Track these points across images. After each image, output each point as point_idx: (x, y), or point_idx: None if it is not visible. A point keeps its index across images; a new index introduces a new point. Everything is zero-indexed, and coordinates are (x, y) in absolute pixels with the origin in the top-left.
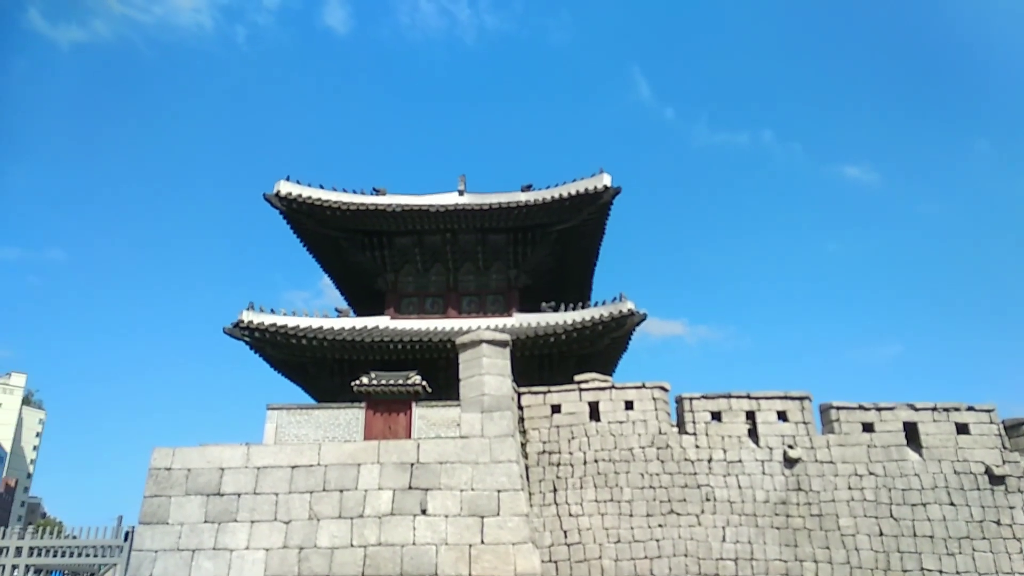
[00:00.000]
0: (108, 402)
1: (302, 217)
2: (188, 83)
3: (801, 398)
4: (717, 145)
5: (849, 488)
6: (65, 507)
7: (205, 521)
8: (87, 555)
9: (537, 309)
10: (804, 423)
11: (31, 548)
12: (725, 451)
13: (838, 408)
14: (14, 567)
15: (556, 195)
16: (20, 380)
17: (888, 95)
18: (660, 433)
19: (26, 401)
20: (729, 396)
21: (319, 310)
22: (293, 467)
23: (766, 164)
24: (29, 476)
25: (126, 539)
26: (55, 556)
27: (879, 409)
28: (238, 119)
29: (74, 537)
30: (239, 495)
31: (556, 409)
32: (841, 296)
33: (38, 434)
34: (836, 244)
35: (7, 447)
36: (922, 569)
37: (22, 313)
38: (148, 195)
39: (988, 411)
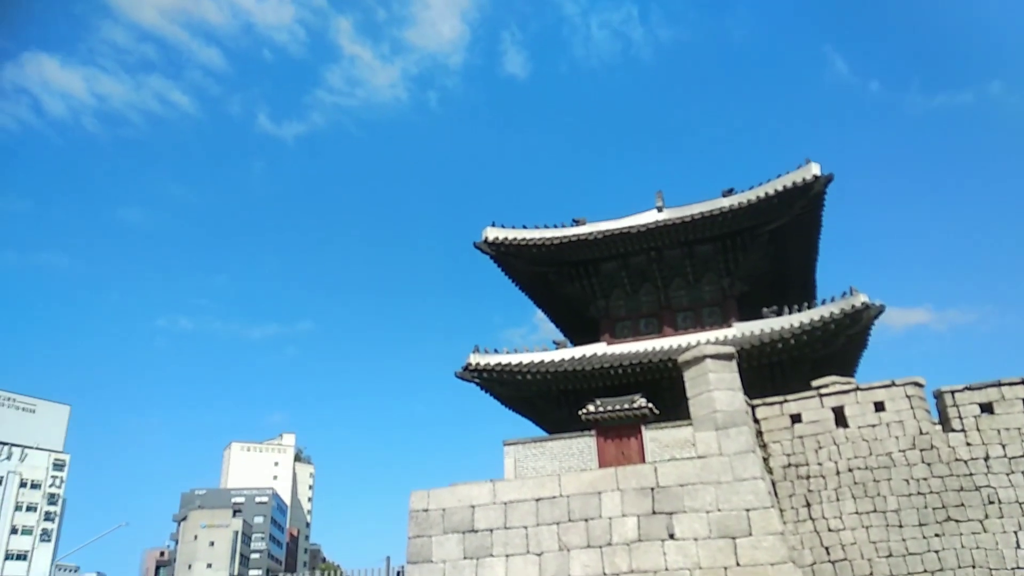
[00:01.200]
0: (365, 453)
1: (510, 258)
2: (393, 151)
3: None
4: (936, 109)
5: None
6: (338, 550)
7: (464, 558)
8: None
9: (758, 316)
10: None
11: None
12: (1004, 446)
13: None
14: None
15: (762, 194)
16: (291, 440)
17: None
18: (921, 433)
19: (297, 458)
20: (999, 384)
21: (538, 345)
22: (537, 500)
23: (998, 119)
24: (308, 525)
25: None
26: None
27: None
28: (441, 174)
29: None
30: (491, 531)
31: (796, 419)
32: None
33: (310, 487)
34: None
35: (287, 500)
36: None
37: (286, 381)
38: (371, 261)
39: None
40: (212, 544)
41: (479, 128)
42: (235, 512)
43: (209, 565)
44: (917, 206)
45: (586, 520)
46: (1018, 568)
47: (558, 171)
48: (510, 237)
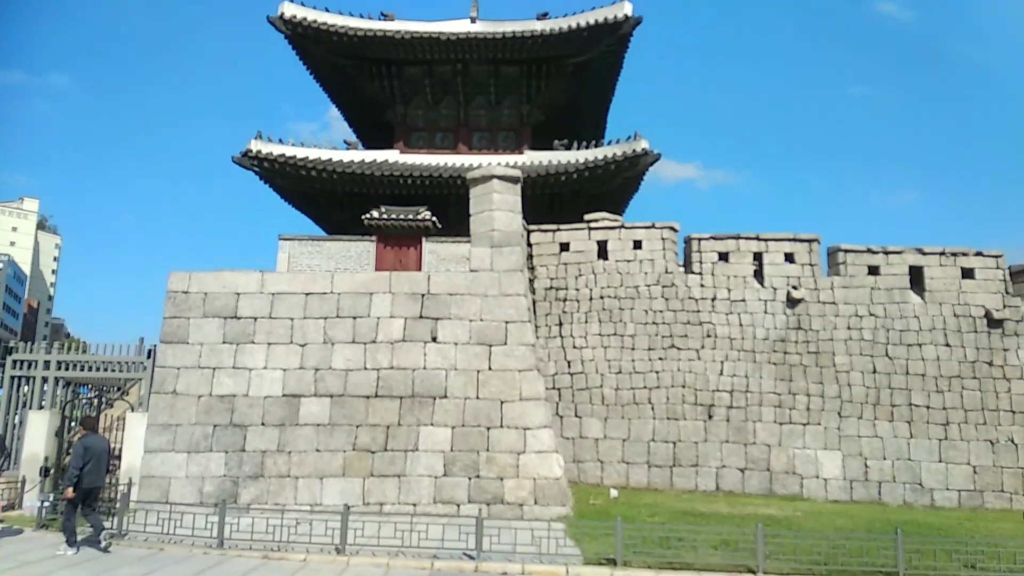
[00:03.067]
0: (122, 229)
1: (308, 42)
2: None
3: (809, 240)
4: None
5: (848, 328)
6: (86, 328)
7: (224, 342)
8: (113, 370)
9: (549, 147)
10: (811, 265)
11: (59, 362)
12: (730, 290)
13: (845, 251)
14: (43, 379)
15: (574, 24)
16: (33, 205)
17: None
18: (666, 272)
19: (41, 226)
20: (738, 237)
21: (328, 142)
22: (307, 294)
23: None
24: (50, 299)
25: (149, 356)
26: (83, 370)
27: (887, 252)
28: None
29: (100, 354)
30: (255, 319)
31: (565, 247)
32: (862, 142)
33: (55, 258)
34: (863, 86)
35: (26, 270)
36: (910, 404)
37: (31, 139)
38: (149, 19)
39: (996, 256)
40: None
41: None
42: None
43: None
44: (707, 69)
45: (354, 318)
46: (718, 391)
47: None
48: (310, 18)
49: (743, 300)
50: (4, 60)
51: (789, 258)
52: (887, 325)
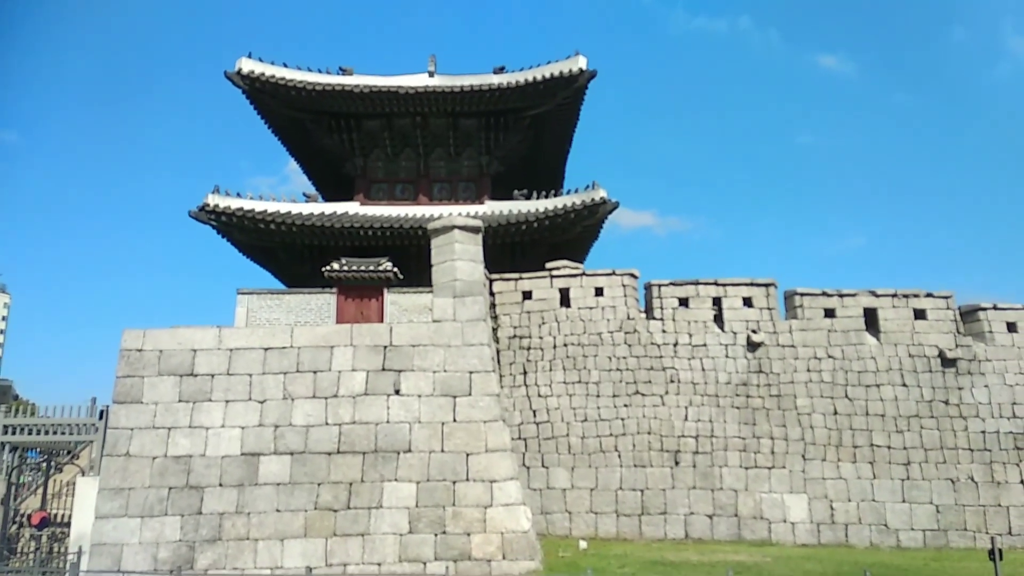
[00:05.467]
0: (75, 286)
1: (266, 97)
2: None
3: (767, 285)
4: (694, 31)
5: (808, 370)
6: (36, 390)
7: (179, 401)
8: (63, 433)
9: (509, 197)
10: (769, 309)
11: (6, 427)
12: (691, 335)
13: (802, 294)
14: None
15: (530, 78)
16: None
17: None
18: (628, 318)
19: None
20: (697, 283)
21: (287, 195)
22: (266, 349)
23: (743, 52)
24: None
25: (101, 417)
26: (31, 434)
27: (841, 295)
28: None
29: (50, 416)
30: (213, 376)
31: (527, 295)
32: (811, 188)
33: (3, 318)
34: (809, 135)
35: None
36: (872, 444)
37: None
38: (102, 75)
39: (945, 297)
40: None
41: None
42: None
43: None
44: (661, 119)
45: (315, 372)
46: (684, 436)
47: (328, 13)
48: (268, 73)
49: (704, 345)
50: None
51: (747, 302)
52: (845, 367)
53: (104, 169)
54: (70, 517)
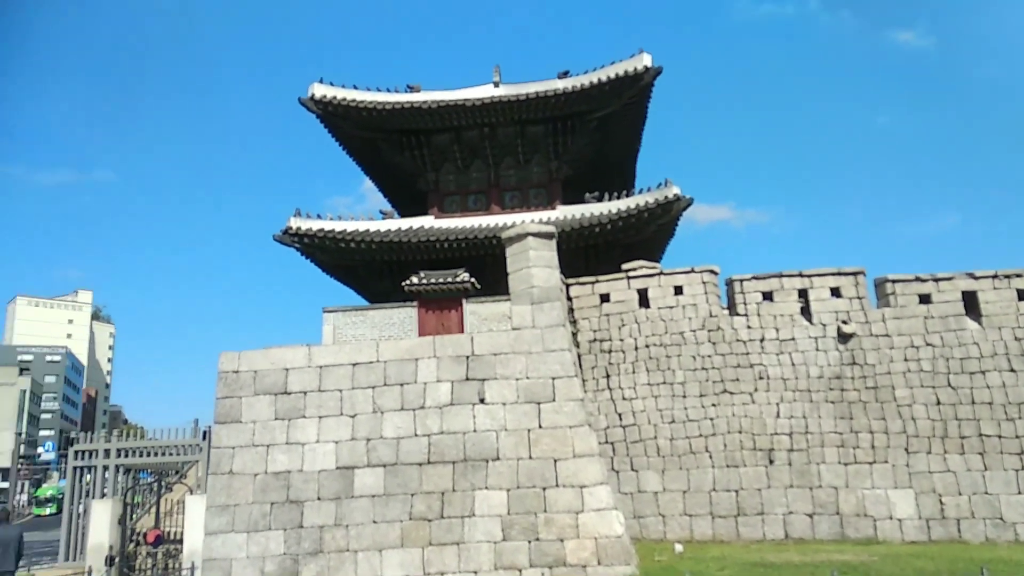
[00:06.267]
0: (171, 313)
1: (338, 120)
2: None
3: (855, 273)
4: (761, 18)
5: (905, 360)
6: (142, 413)
7: (276, 418)
8: (171, 454)
9: (581, 200)
10: (858, 298)
11: (119, 450)
12: (778, 330)
13: (893, 281)
14: (105, 468)
15: (594, 80)
16: (87, 297)
17: None
18: (711, 316)
19: (95, 316)
20: (780, 276)
21: (364, 214)
22: (354, 364)
23: (814, 34)
24: (107, 387)
25: (204, 438)
26: (142, 456)
27: (937, 280)
28: (269, 24)
29: (157, 439)
30: (305, 393)
31: (605, 298)
32: (894, 169)
33: (110, 347)
34: (888, 116)
35: (84, 360)
36: (980, 434)
37: (82, 234)
38: (186, 110)
39: None
40: None
41: None
42: (22, 371)
43: None
44: (732, 110)
45: (402, 385)
46: (777, 434)
47: (396, 35)
48: (339, 97)
49: (792, 339)
50: (54, 160)
51: (835, 293)
52: (946, 354)
53: (192, 200)
54: (182, 534)
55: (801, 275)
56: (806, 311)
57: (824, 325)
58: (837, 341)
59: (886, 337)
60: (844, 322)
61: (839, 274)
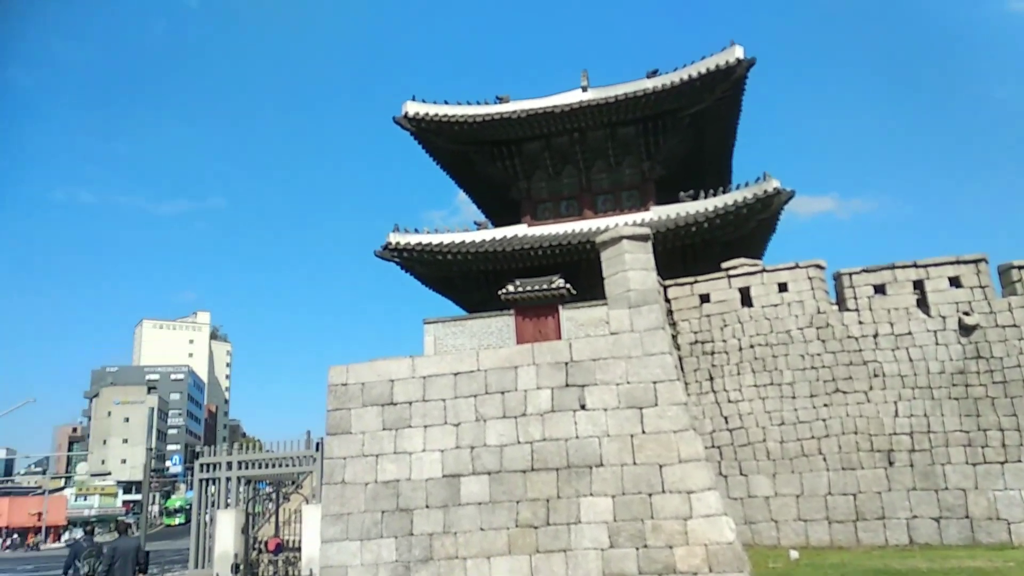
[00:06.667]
0: (282, 329)
1: (431, 135)
2: (308, 17)
3: (976, 261)
4: None
5: None
6: (259, 426)
7: (383, 429)
8: (286, 465)
9: (675, 200)
10: (981, 287)
11: (240, 462)
12: (892, 324)
13: (1020, 268)
14: (227, 479)
15: (685, 76)
16: (205, 318)
17: None
18: (819, 312)
19: (213, 336)
20: (893, 267)
21: (459, 226)
22: (456, 374)
23: (917, 5)
24: (226, 402)
25: (317, 449)
26: (260, 468)
27: None
28: (360, 45)
29: (273, 451)
30: (410, 403)
31: (705, 298)
32: (1017, 145)
33: (228, 364)
34: (1008, 87)
35: (204, 377)
36: None
37: (199, 259)
38: (286, 135)
39: None
40: (127, 420)
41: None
42: (150, 389)
43: (125, 440)
44: (831, 95)
45: (502, 393)
46: (896, 434)
47: (482, 48)
48: (431, 113)
49: (909, 333)
50: (172, 192)
51: (954, 282)
52: None
53: (297, 221)
54: (300, 542)
55: (916, 265)
56: (923, 303)
57: (944, 317)
58: (959, 334)
59: (1013, 328)
60: (966, 313)
61: (958, 262)
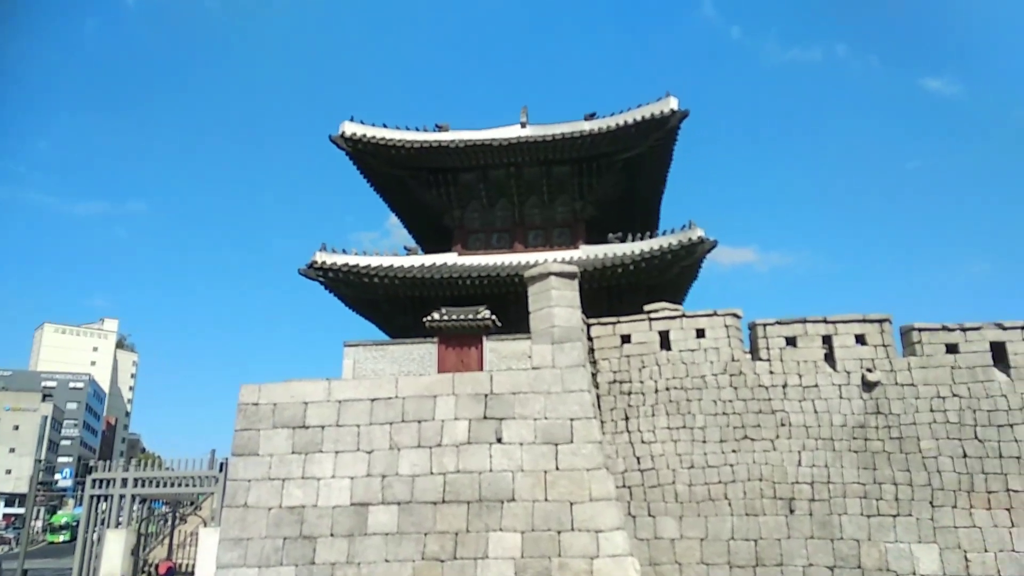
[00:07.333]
0: (195, 343)
1: (367, 157)
2: (250, 28)
3: (880, 320)
4: (788, 62)
5: (931, 410)
6: (160, 442)
7: (292, 452)
8: (186, 485)
9: (604, 240)
10: (884, 346)
11: (135, 480)
12: (801, 376)
13: (920, 330)
14: (121, 497)
15: (621, 122)
16: (113, 325)
17: None
18: (733, 360)
19: (120, 345)
20: (804, 321)
21: (389, 249)
22: (372, 400)
23: (842, 80)
24: (127, 415)
25: (220, 470)
26: (158, 486)
27: (964, 329)
28: (299, 62)
29: (174, 469)
30: (323, 427)
31: (626, 339)
32: (923, 215)
33: (132, 375)
34: (919, 160)
35: (106, 388)
36: (1008, 489)
37: (111, 264)
38: (219, 144)
39: None
40: (16, 428)
41: (344, 19)
42: (45, 396)
43: (12, 450)
44: (758, 153)
45: (419, 422)
46: (798, 483)
47: (424, 75)
48: (369, 135)
49: (816, 386)
50: (89, 192)
51: (860, 340)
52: (973, 406)
53: (220, 233)
54: (194, 566)
55: (826, 321)
56: (830, 358)
57: (848, 372)
58: (861, 389)
59: (912, 387)
60: (869, 370)
61: (864, 321)
